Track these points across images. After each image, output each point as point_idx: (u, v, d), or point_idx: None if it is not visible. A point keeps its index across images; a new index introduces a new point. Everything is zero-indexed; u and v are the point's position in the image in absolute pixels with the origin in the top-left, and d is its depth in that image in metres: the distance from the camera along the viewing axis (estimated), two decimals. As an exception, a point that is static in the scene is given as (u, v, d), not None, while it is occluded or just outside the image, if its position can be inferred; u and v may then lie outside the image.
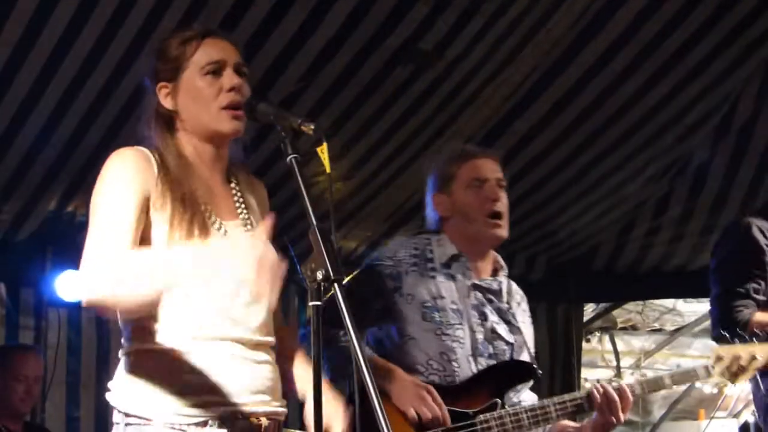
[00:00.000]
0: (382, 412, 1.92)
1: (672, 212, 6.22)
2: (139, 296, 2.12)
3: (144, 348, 2.22)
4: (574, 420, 3.22)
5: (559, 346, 6.71)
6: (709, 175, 5.96)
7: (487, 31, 4.61)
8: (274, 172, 4.62)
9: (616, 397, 3.11)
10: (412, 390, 3.00)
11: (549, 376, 6.33)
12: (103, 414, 5.34)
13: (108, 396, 2.25)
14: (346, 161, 5.25)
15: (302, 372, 2.42)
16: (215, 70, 2.31)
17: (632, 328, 9.11)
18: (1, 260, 5.32)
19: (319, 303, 2.03)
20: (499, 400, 3.09)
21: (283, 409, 2.32)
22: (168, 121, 2.35)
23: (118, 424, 2.21)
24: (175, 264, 2.10)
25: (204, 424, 2.17)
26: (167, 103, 2.35)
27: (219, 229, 2.28)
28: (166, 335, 2.21)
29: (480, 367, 3.15)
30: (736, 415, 10.15)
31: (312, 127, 2.15)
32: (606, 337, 8.99)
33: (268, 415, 2.26)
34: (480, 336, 3.19)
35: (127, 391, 2.22)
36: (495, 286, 3.28)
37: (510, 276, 3.39)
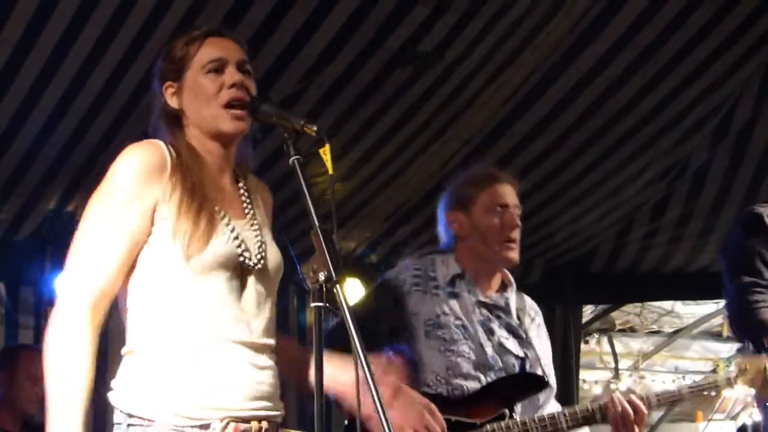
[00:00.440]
0: (383, 414, 1.92)
1: (670, 214, 6.22)
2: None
3: (149, 348, 2.22)
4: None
5: (558, 347, 6.70)
6: (707, 178, 5.96)
7: (487, 33, 4.62)
8: (274, 172, 4.62)
9: (631, 412, 3.12)
10: (411, 406, 2.98)
11: (547, 377, 6.34)
12: (101, 413, 5.32)
13: (110, 396, 2.25)
14: (346, 162, 5.26)
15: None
16: (217, 68, 2.32)
17: (630, 330, 9.12)
18: (1, 259, 5.32)
19: (321, 304, 2.03)
20: (507, 411, 3.11)
21: (282, 413, 2.33)
22: (175, 120, 2.36)
23: (119, 424, 2.21)
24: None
25: (206, 426, 2.17)
26: (173, 102, 2.36)
27: (228, 225, 2.28)
28: (170, 336, 2.21)
29: (489, 380, 3.17)
30: (734, 418, 10.17)
31: (315, 128, 2.15)
32: (604, 339, 9.00)
33: (267, 419, 2.26)
34: (489, 350, 3.21)
35: (130, 391, 2.21)
36: (501, 302, 3.32)
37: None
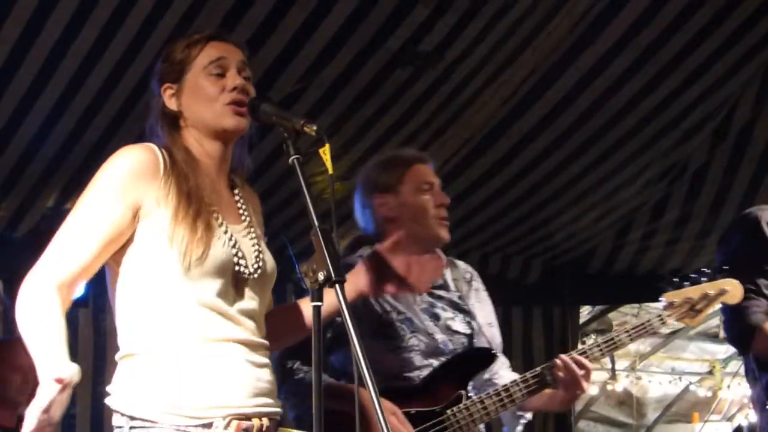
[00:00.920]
0: (385, 422, 1.92)
1: (669, 216, 6.23)
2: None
3: (147, 350, 2.21)
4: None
5: (555, 348, 6.71)
6: (706, 179, 5.97)
7: (488, 33, 4.62)
8: (272, 172, 4.62)
9: (577, 369, 3.16)
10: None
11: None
12: (98, 412, 5.34)
13: (109, 400, 2.24)
14: (345, 162, 5.25)
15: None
16: (219, 70, 2.33)
17: (628, 331, 9.11)
18: (-1, 257, 5.33)
19: (320, 303, 2.04)
20: (463, 392, 3.12)
21: (280, 410, 2.33)
22: (173, 121, 2.37)
23: (121, 428, 2.19)
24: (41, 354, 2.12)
25: (209, 425, 2.17)
26: (172, 104, 2.37)
27: (226, 232, 2.28)
28: (168, 338, 2.20)
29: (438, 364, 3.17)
30: (730, 419, 10.20)
31: (314, 128, 2.16)
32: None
33: (268, 416, 2.27)
34: (438, 336, 3.21)
35: (130, 394, 2.21)
36: (440, 281, 3.32)
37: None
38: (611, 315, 8.50)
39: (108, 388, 2.25)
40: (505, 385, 3.16)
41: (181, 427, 2.16)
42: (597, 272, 6.73)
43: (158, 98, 2.38)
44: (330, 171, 2.13)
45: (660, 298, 3.38)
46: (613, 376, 9.79)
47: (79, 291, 2.27)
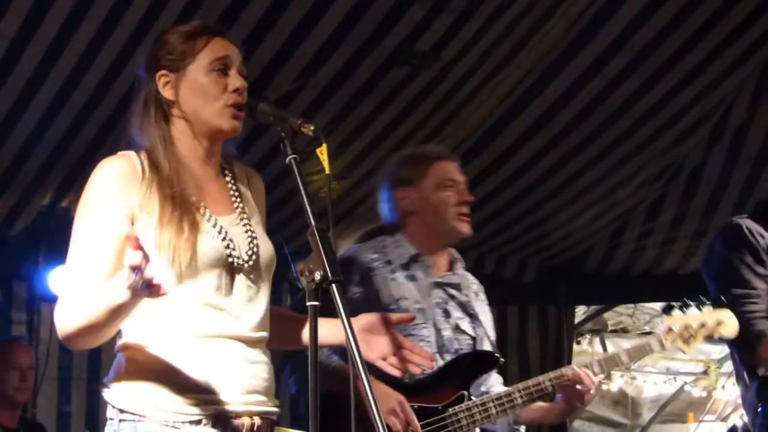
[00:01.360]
0: (379, 416, 1.93)
1: (664, 216, 6.23)
2: (99, 328, 2.12)
3: (141, 344, 2.22)
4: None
5: (550, 348, 6.73)
6: (702, 179, 5.97)
7: (484, 33, 4.62)
8: (269, 171, 4.61)
9: (589, 383, 3.23)
10: (383, 400, 3.00)
11: (540, 377, 6.35)
12: (94, 409, 5.35)
13: (103, 392, 2.25)
14: (342, 161, 5.26)
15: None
16: (222, 69, 2.32)
17: (623, 331, 9.13)
18: (-5, 255, 5.33)
19: (317, 303, 2.04)
20: (465, 392, 3.14)
21: (276, 409, 2.32)
22: (163, 109, 2.34)
23: (112, 420, 2.21)
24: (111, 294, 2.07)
25: (198, 422, 2.17)
26: (166, 92, 2.34)
27: (215, 225, 2.27)
28: (163, 332, 2.21)
29: (444, 362, 3.20)
30: (725, 419, 10.19)
31: (312, 128, 2.16)
32: (596, 340, 9.01)
33: (261, 414, 2.26)
34: (446, 333, 3.24)
35: (122, 387, 2.21)
36: (455, 279, 3.35)
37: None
38: (606, 315, 8.49)
39: (104, 380, 2.26)
40: (508, 390, 3.20)
41: (169, 422, 2.16)
42: (593, 272, 6.74)
43: (149, 84, 2.35)
44: (327, 171, 2.13)
45: (659, 324, 3.47)
46: (608, 376, 9.79)
47: None
